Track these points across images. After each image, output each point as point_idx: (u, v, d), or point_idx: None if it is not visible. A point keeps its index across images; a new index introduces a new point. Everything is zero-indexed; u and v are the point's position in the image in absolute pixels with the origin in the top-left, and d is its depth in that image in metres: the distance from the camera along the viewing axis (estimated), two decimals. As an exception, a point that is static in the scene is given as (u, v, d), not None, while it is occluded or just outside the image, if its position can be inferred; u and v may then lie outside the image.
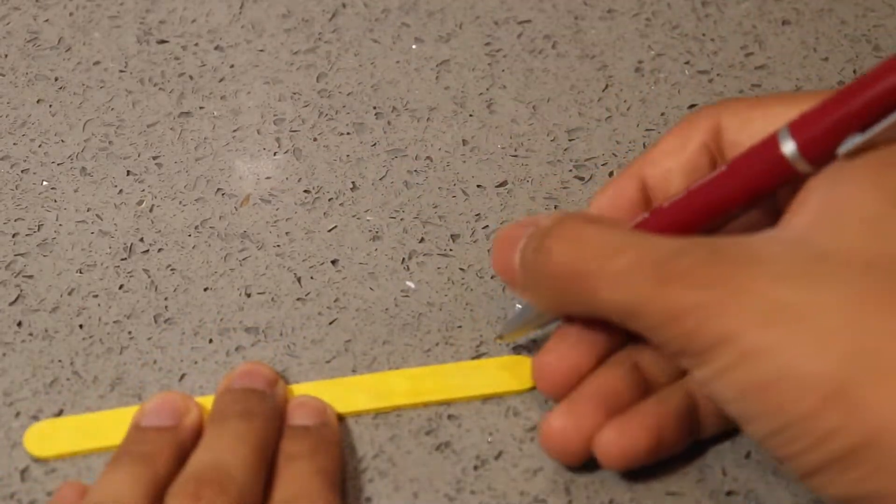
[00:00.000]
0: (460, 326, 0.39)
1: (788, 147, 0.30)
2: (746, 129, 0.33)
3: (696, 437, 0.35)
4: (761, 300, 0.28)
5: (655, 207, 0.33)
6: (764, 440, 0.29)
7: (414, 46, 0.48)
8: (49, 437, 0.36)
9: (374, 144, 0.44)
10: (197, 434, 0.34)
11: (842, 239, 0.28)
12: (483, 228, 0.41)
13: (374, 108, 0.45)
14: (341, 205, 0.42)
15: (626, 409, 0.34)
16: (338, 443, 0.35)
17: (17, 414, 0.36)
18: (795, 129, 0.30)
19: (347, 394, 0.37)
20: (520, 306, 0.39)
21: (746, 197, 0.31)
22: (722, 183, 0.32)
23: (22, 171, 0.43)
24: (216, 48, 0.48)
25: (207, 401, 0.36)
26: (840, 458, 0.27)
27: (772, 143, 0.30)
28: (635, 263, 0.30)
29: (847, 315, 0.27)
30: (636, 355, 0.35)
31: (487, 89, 0.46)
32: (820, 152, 0.30)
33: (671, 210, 0.33)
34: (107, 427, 0.35)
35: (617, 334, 0.34)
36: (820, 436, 0.27)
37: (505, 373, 0.37)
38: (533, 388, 0.37)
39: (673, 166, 0.34)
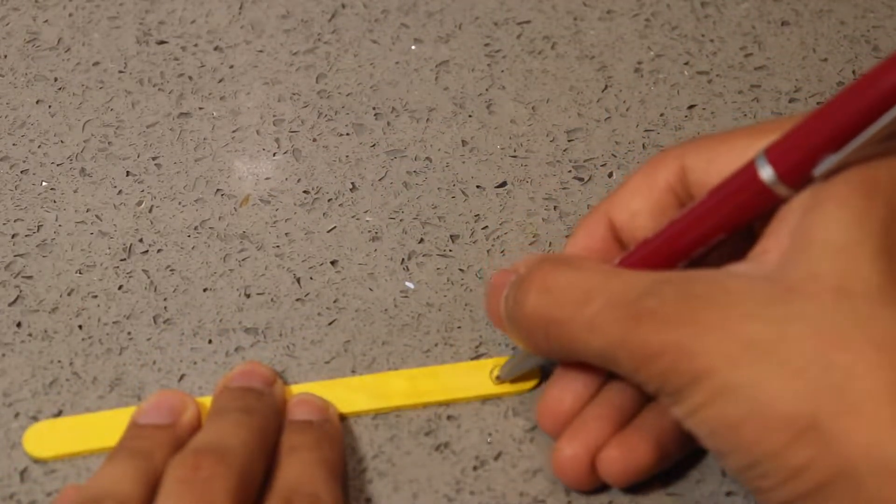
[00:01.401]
0: (460, 327, 0.39)
1: (766, 172, 0.30)
2: (712, 167, 0.33)
3: (696, 446, 0.35)
4: (731, 338, 0.28)
5: (642, 240, 0.33)
6: (737, 474, 0.29)
7: (413, 47, 0.48)
8: (48, 438, 0.36)
9: (374, 145, 0.44)
10: (194, 432, 0.34)
11: (812, 271, 0.29)
12: (482, 229, 0.41)
13: (374, 108, 0.45)
14: (341, 205, 0.42)
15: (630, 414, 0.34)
16: (340, 439, 0.35)
17: (17, 414, 0.36)
18: (771, 153, 0.30)
19: (347, 394, 0.37)
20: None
21: (727, 226, 0.31)
22: (702, 213, 0.32)
23: (21, 172, 0.43)
24: (215, 49, 0.48)
25: (207, 401, 0.36)
26: (812, 492, 0.27)
27: (749, 169, 0.30)
28: (606, 308, 0.30)
29: (815, 350, 0.27)
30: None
31: (487, 90, 0.46)
32: (797, 174, 0.30)
33: (654, 242, 0.33)
34: (106, 428, 0.35)
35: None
36: (791, 471, 0.27)
37: None
38: (532, 389, 0.37)
39: (640, 208, 0.34)
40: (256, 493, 0.32)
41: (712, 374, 0.28)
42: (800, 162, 0.30)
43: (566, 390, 0.35)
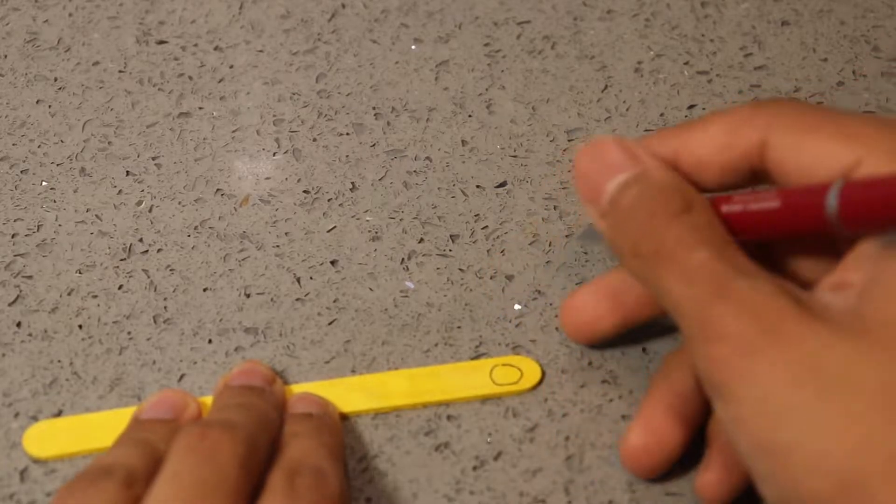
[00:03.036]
0: (460, 327, 0.39)
1: (832, 207, 0.29)
2: (795, 157, 0.31)
3: None
4: (800, 358, 0.27)
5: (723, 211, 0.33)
6: (769, 500, 0.28)
7: (413, 47, 0.48)
8: (48, 438, 0.36)
9: (374, 145, 0.44)
10: None
11: (886, 317, 0.27)
12: (482, 229, 0.41)
13: (374, 108, 0.45)
14: (340, 205, 0.42)
15: (698, 412, 0.34)
16: (340, 430, 0.35)
17: (17, 414, 0.36)
18: (845, 195, 0.29)
19: (346, 394, 0.37)
20: (518, 307, 0.39)
21: (796, 234, 0.31)
22: (774, 215, 0.31)
23: (21, 172, 0.43)
24: (215, 49, 0.48)
25: (207, 402, 0.36)
26: None
27: (820, 194, 0.29)
28: (705, 266, 0.29)
29: (876, 399, 0.26)
30: None
31: (487, 90, 0.46)
32: (861, 227, 0.29)
33: (728, 220, 0.32)
34: (106, 428, 0.35)
35: (646, 307, 0.35)
36: None
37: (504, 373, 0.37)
38: (532, 389, 0.37)
39: (710, 161, 0.33)
40: (261, 469, 0.32)
41: (767, 384, 0.27)
42: (868, 221, 0.29)
43: (598, 304, 0.35)
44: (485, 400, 0.37)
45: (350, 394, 0.37)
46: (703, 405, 0.34)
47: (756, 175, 0.33)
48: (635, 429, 0.34)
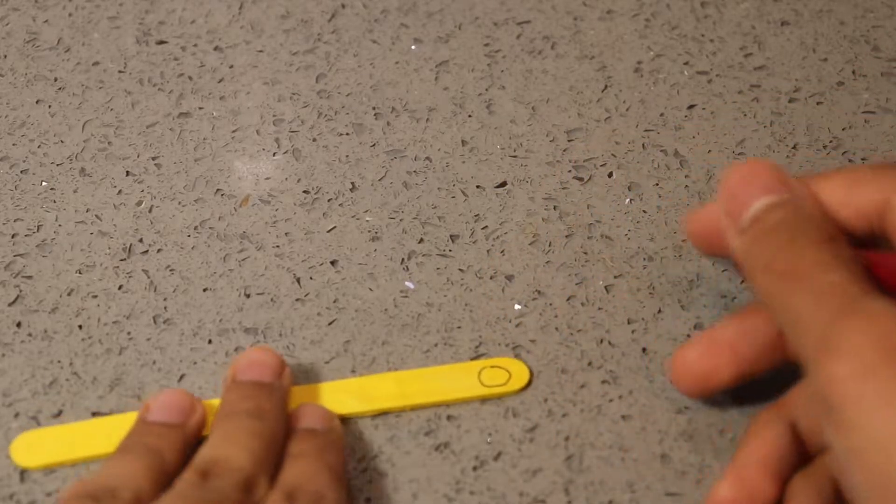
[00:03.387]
0: (460, 327, 0.39)
1: None
2: None
3: None
4: None
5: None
6: None
7: (413, 47, 0.48)
8: (36, 447, 0.35)
9: (374, 145, 0.44)
10: (201, 433, 0.35)
11: None
12: (482, 229, 0.41)
13: (374, 108, 0.45)
14: (340, 205, 0.42)
15: (790, 471, 0.33)
16: (342, 447, 0.35)
17: (17, 414, 0.36)
18: None
19: (333, 397, 0.36)
20: (518, 307, 0.39)
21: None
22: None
23: (21, 172, 0.43)
24: (215, 49, 0.48)
25: (211, 404, 0.36)
26: None
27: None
28: (838, 286, 0.29)
29: None
30: (792, 413, 0.34)
31: (486, 90, 0.46)
32: None
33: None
34: (95, 435, 0.35)
35: (765, 357, 0.34)
36: None
37: (493, 374, 0.37)
38: (521, 391, 0.37)
39: (829, 214, 0.33)
40: (265, 489, 0.32)
41: (890, 419, 0.26)
42: None
43: (711, 357, 0.34)
44: (484, 400, 0.37)
45: (337, 397, 0.36)
46: (795, 464, 0.33)
47: (875, 236, 0.32)
48: (726, 482, 0.33)
